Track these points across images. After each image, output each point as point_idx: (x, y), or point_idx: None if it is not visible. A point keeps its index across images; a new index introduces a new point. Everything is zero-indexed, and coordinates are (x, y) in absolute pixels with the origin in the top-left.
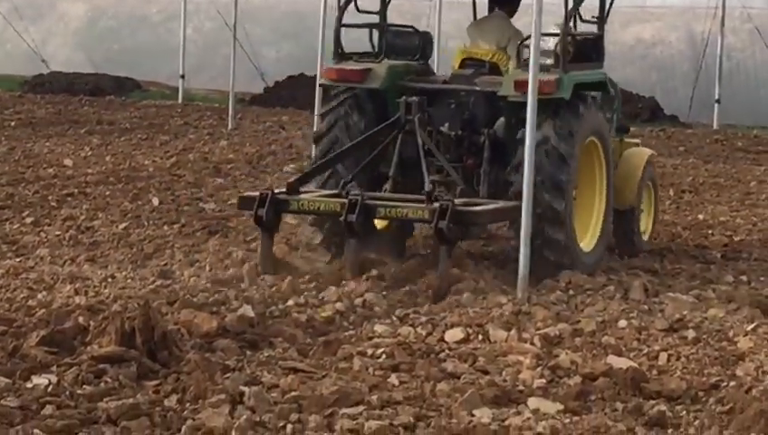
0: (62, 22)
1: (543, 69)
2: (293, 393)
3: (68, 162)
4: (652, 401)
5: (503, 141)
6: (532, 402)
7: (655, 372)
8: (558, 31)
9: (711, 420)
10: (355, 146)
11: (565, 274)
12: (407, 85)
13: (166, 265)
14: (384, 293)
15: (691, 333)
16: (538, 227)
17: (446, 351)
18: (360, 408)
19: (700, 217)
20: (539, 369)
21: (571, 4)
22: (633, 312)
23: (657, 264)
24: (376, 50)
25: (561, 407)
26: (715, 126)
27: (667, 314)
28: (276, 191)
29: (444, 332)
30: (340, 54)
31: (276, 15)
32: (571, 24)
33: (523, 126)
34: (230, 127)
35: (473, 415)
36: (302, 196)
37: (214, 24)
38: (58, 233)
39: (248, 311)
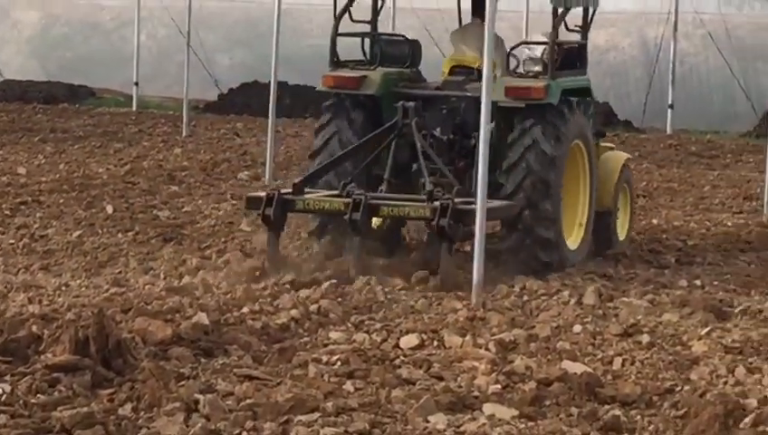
0: (16, 29)
1: (532, 76)
2: (248, 401)
3: (21, 170)
4: (607, 406)
5: (493, 144)
6: (488, 408)
7: (609, 376)
8: (545, 39)
9: (665, 424)
10: (355, 148)
11: (519, 279)
12: (401, 91)
13: (120, 272)
14: (339, 299)
15: (645, 338)
16: (529, 226)
17: (402, 357)
18: (316, 415)
19: (654, 221)
20: (494, 374)
21: (558, 15)
22: (588, 317)
23: (611, 268)
24: (368, 58)
25: (516, 412)
26: (668, 131)
27: (621, 318)
28: (283, 192)
29: (399, 338)
30: (335, 62)
31: (230, 22)
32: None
33: (512, 130)
34: (184, 134)
35: (428, 421)
36: (308, 196)
37: (167, 31)
38: (12, 241)
39: (203, 318)
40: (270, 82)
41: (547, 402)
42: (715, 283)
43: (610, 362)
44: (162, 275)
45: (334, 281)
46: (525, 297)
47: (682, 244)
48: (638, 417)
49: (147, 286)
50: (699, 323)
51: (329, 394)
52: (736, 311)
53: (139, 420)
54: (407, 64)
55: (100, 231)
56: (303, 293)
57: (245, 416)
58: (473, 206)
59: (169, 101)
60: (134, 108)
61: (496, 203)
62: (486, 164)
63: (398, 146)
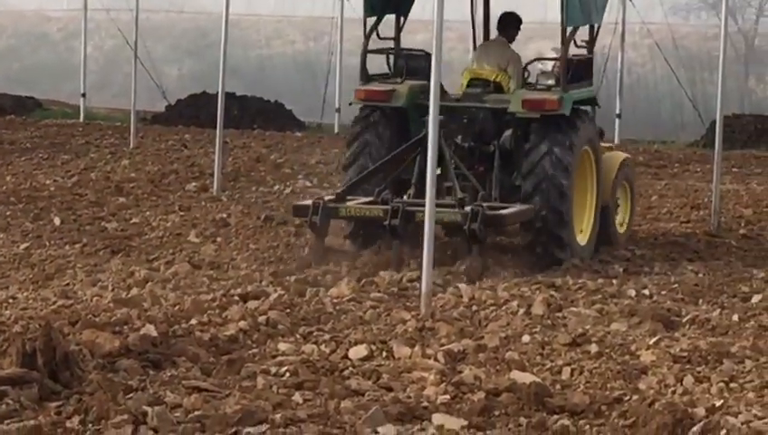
0: None
1: (546, 89)
2: (197, 413)
3: None
4: (556, 416)
5: (510, 151)
6: (437, 419)
7: (558, 386)
8: (556, 55)
9: (614, 433)
10: (388, 160)
11: (467, 289)
12: (425, 103)
13: (68, 285)
14: (288, 310)
15: (594, 348)
16: (544, 227)
17: (350, 368)
18: (264, 426)
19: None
20: (443, 385)
21: (568, 32)
22: (536, 327)
23: (559, 278)
24: (393, 71)
25: (465, 423)
26: (616, 141)
27: (569, 328)
28: (327, 199)
29: (348, 349)
30: (366, 77)
31: (177, 33)
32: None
33: (528, 139)
34: (132, 146)
35: (377, 432)
36: (349, 203)
37: (115, 41)
38: None
39: (151, 330)
40: (218, 92)
41: (496, 413)
42: (663, 292)
43: (559, 372)
44: (110, 287)
45: (315, 289)
46: (474, 307)
47: (630, 253)
48: (587, 427)
49: (94, 298)
50: (647, 332)
51: (277, 406)
52: (684, 320)
53: (87, 433)
54: (429, 77)
55: (47, 243)
56: (252, 304)
57: (194, 428)
58: (500, 211)
59: (117, 113)
60: (81, 119)
61: (515, 208)
62: (434, 173)
63: (424, 153)
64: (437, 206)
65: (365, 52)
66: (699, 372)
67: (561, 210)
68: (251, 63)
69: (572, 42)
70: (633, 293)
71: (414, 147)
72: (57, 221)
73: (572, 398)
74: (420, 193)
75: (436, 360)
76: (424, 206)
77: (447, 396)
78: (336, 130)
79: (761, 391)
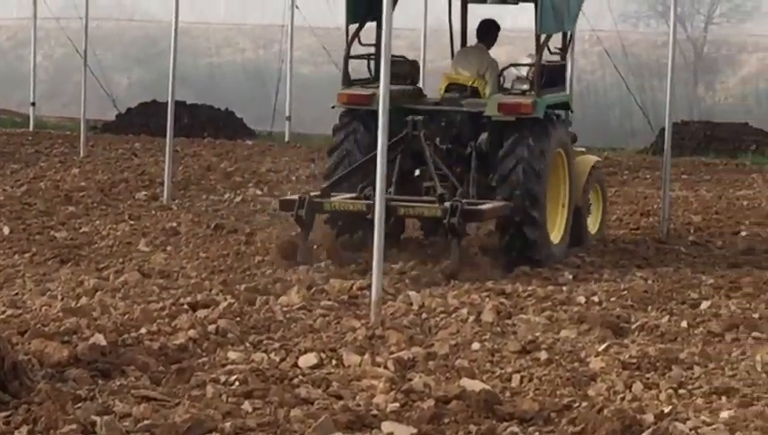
0: None
1: (520, 93)
2: (146, 422)
3: None
4: (505, 423)
5: (486, 153)
6: (386, 426)
7: (508, 393)
8: (531, 61)
9: None
10: (370, 158)
11: (417, 297)
12: (405, 106)
13: (17, 294)
14: (237, 319)
15: (543, 355)
16: (520, 230)
17: (300, 376)
18: None
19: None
20: (392, 393)
21: (542, 39)
22: (486, 334)
23: (509, 286)
24: (374, 76)
25: (414, 430)
26: None
27: (519, 335)
28: (312, 195)
29: (297, 357)
30: (348, 81)
31: (127, 41)
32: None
33: (503, 141)
34: (82, 154)
35: None
36: (333, 199)
37: (64, 50)
38: None
39: (100, 339)
40: (168, 101)
41: (446, 420)
42: (613, 299)
43: (509, 380)
44: (59, 297)
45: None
46: (424, 315)
47: (580, 260)
48: (537, 434)
49: (44, 308)
50: (597, 339)
51: (227, 414)
52: (633, 327)
53: None
54: (408, 82)
55: None
56: (201, 313)
57: None
58: (478, 207)
59: (67, 121)
60: (31, 128)
61: (492, 204)
62: (384, 181)
63: (404, 154)
64: (420, 202)
65: (347, 57)
66: (648, 379)
67: (534, 214)
68: (201, 72)
69: (546, 48)
70: (583, 300)
71: (394, 147)
72: (6, 230)
73: (522, 405)
74: (401, 190)
75: (385, 368)
76: (404, 201)
77: (397, 404)
78: (287, 138)
79: (709, 398)
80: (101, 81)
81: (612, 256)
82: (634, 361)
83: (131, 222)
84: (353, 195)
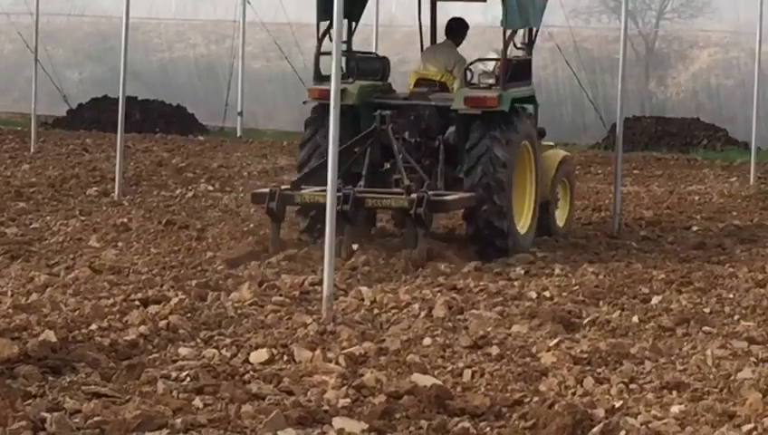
0: None
1: (486, 87)
2: (96, 418)
3: None
4: (456, 419)
5: (454, 146)
6: (337, 422)
7: (459, 389)
8: (497, 56)
9: None
10: (340, 152)
11: (368, 292)
12: (375, 101)
13: None
14: (189, 315)
15: (495, 350)
16: (485, 219)
17: (251, 372)
18: (164, 431)
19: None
20: (344, 388)
21: (508, 34)
22: (437, 329)
23: (461, 281)
24: (346, 72)
25: (366, 426)
26: None
27: (471, 330)
28: (283, 188)
29: (249, 353)
30: (319, 77)
31: (79, 36)
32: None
33: (470, 135)
34: (32, 150)
35: None
36: (304, 191)
37: (14, 46)
38: None
39: (50, 336)
40: (119, 97)
41: (397, 416)
42: (564, 294)
43: (460, 375)
44: (9, 293)
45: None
46: (376, 311)
47: (531, 255)
48: (488, 429)
49: None
50: (548, 334)
51: (178, 410)
52: (585, 322)
53: None
54: (378, 78)
55: None
56: (153, 309)
57: (93, 434)
58: (444, 198)
59: (17, 117)
60: None
61: (457, 195)
62: (335, 174)
63: (373, 147)
64: (388, 194)
65: (318, 54)
66: (599, 374)
67: (501, 203)
68: (153, 67)
69: (512, 43)
70: (534, 295)
71: (364, 141)
72: None
73: (473, 400)
74: (370, 183)
75: (337, 363)
76: (373, 194)
77: (348, 400)
78: (239, 134)
79: (660, 392)
80: (52, 76)
81: (564, 251)
82: (585, 356)
83: (82, 218)
84: (324, 187)
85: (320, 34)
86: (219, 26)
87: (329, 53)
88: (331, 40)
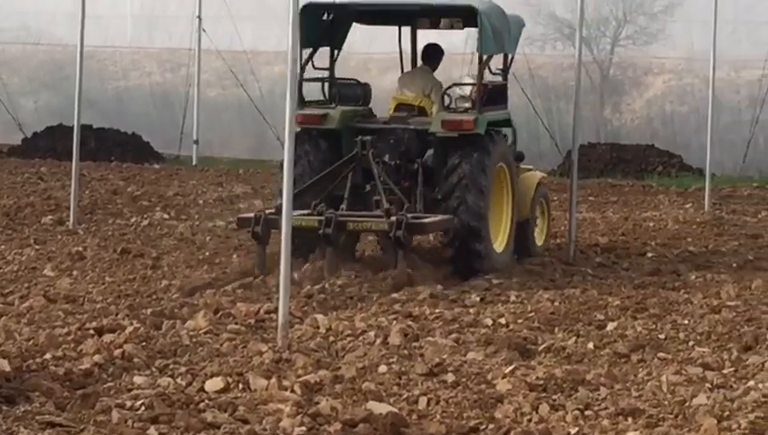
0: None
1: (463, 111)
2: None
3: None
4: None
5: (432, 168)
6: None
7: (415, 416)
8: (473, 81)
9: None
10: (323, 176)
11: (324, 320)
12: (356, 126)
13: None
14: (144, 344)
15: (450, 377)
16: (464, 241)
17: (206, 401)
18: None
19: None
20: (299, 417)
21: (483, 60)
22: (393, 357)
23: (416, 308)
24: (327, 98)
25: None
26: None
27: (426, 358)
28: (267, 212)
29: (204, 382)
30: (302, 103)
31: (34, 65)
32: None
33: (447, 157)
34: None
35: None
36: None
37: None
38: None
39: (4, 365)
40: (73, 125)
41: None
42: (520, 321)
43: (416, 402)
44: None
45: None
46: (331, 338)
47: (487, 282)
48: None
49: None
50: (503, 361)
51: None
52: (540, 348)
53: None
54: (360, 103)
55: None
56: (107, 337)
57: None
58: (422, 220)
59: None
60: None
61: (435, 218)
62: (291, 195)
63: (355, 171)
64: (368, 217)
65: (301, 80)
66: (555, 400)
67: (479, 226)
68: (108, 95)
69: (487, 69)
70: (490, 322)
71: (346, 165)
72: None
73: (429, 428)
74: (352, 206)
75: (292, 391)
76: (355, 217)
77: (304, 428)
78: (194, 162)
79: (615, 419)
80: (7, 105)
81: (519, 277)
82: (541, 382)
83: (37, 247)
84: (307, 211)
85: (302, 61)
86: (174, 54)
87: (311, 80)
88: (314, 67)
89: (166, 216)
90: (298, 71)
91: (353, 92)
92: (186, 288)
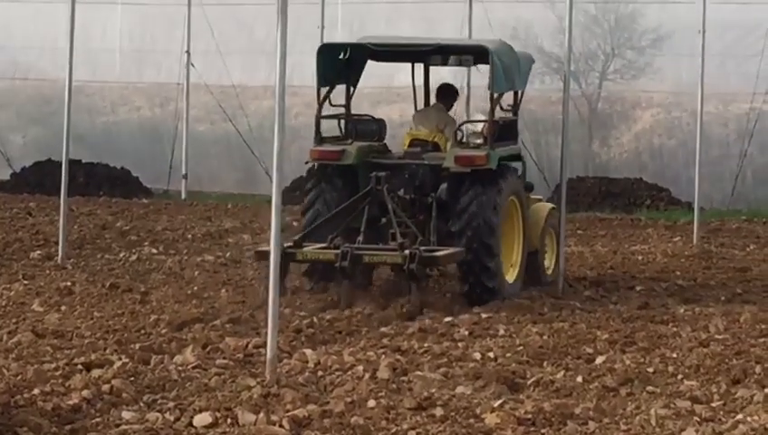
0: None
1: (475, 147)
2: None
3: None
4: None
5: (445, 202)
6: None
7: None
8: (485, 117)
9: None
10: (340, 210)
11: (313, 355)
12: (371, 161)
13: None
14: (132, 378)
15: (439, 411)
16: (476, 277)
17: None
18: None
19: (448, 295)
20: None
21: (495, 97)
22: (382, 391)
23: (405, 342)
24: (344, 133)
25: None
26: None
27: (415, 392)
28: (286, 246)
29: (192, 417)
30: (320, 139)
31: (22, 100)
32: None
33: (461, 192)
34: None
35: None
36: (305, 248)
37: None
38: None
39: None
40: (61, 160)
41: None
42: (509, 354)
43: None
44: None
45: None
46: (320, 373)
47: (476, 316)
48: None
49: None
50: (492, 395)
51: None
52: (529, 382)
53: None
54: (375, 139)
55: None
56: (96, 372)
57: None
58: (434, 253)
59: None
60: None
61: (447, 250)
62: (279, 226)
63: (371, 205)
64: (382, 251)
65: (319, 116)
66: (543, 434)
67: (490, 265)
68: (97, 130)
69: (498, 106)
70: (478, 356)
71: (362, 199)
72: None
73: None
74: (368, 239)
75: (281, 426)
76: (371, 250)
77: None
78: (183, 196)
79: None
80: None
81: (508, 311)
82: (529, 416)
83: (25, 282)
84: (324, 245)
85: (320, 99)
86: (163, 89)
87: (329, 117)
88: (331, 104)
89: (154, 250)
90: (317, 106)
91: (368, 128)
92: (174, 323)
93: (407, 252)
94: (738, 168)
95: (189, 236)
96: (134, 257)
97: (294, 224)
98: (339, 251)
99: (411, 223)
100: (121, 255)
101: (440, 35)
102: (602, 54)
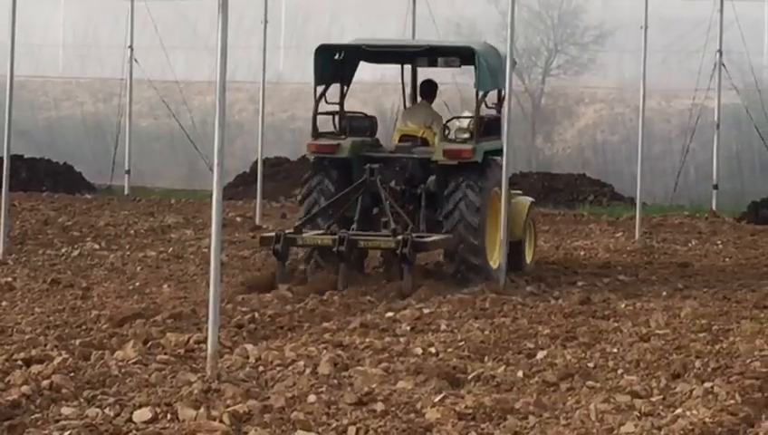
0: None
1: (462, 141)
2: None
3: None
4: None
5: (434, 193)
6: None
7: None
8: (471, 114)
9: None
10: (335, 200)
11: (254, 350)
12: (365, 155)
13: None
14: (72, 374)
15: (380, 406)
16: (462, 256)
17: (134, 431)
18: None
19: (392, 294)
20: None
21: (480, 95)
22: (322, 386)
23: (346, 338)
24: (338, 129)
25: None
26: None
27: (356, 387)
28: (286, 232)
29: (132, 412)
30: (316, 134)
31: None
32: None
33: (448, 183)
34: None
35: None
36: (305, 234)
37: None
38: None
39: None
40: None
41: None
42: (450, 350)
43: (345, 432)
44: None
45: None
46: (261, 368)
47: (418, 312)
48: None
49: None
50: (433, 390)
51: None
52: (470, 377)
53: None
54: (367, 134)
55: None
56: (35, 368)
57: None
58: (425, 239)
59: None
60: None
61: (436, 237)
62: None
63: (364, 196)
64: (376, 236)
65: (315, 113)
66: (483, 429)
67: (475, 242)
68: (39, 125)
69: (483, 103)
70: (420, 351)
71: (356, 190)
72: None
73: None
74: (362, 227)
75: (221, 421)
76: (365, 236)
77: None
78: (126, 192)
79: None
80: None
81: (450, 306)
82: (470, 411)
83: None
84: (322, 231)
85: (317, 97)
86: (106, 84)
87: (325, 113)
88: (326, 102)
89: (96, 246)
90: (313, 104)
91: (361, 124)
92: (115, 318)
93: (399, 237)
94: (680, 163)
95: (132, 231)
96: (76, 253)
97: (238, 220)
98: (336, 237)
99: (402, 212)
100: (63, 250)
101: (383, 31)
102: (545, 50)
